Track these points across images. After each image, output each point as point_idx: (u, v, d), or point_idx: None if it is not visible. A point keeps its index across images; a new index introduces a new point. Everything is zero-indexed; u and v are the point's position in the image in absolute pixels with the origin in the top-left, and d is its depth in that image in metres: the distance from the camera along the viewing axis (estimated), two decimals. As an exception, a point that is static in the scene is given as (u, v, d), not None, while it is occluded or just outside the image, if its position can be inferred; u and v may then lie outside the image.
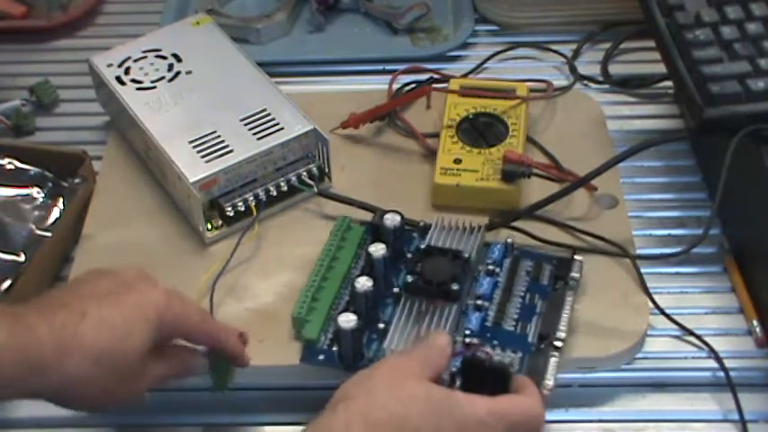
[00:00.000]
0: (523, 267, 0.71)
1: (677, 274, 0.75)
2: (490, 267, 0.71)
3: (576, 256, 0.71)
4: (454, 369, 0.62)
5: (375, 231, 0.72)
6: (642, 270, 0.72)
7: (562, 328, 0.66)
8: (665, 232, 0.78)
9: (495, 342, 0.66)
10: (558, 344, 0.65)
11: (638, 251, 0.74)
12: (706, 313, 0.72)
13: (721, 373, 0.67)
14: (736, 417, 0.65)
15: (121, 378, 0.58)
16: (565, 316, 0.67)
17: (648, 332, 0.70)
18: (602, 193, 0.78)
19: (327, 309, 0.68)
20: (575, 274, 0.70)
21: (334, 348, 0.66)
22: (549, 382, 0.63)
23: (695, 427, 0.66)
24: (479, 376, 0.60)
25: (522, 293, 0.70)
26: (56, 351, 0.56)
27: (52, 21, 1.00)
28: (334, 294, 0.69)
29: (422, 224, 0.74)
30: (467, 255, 0.68)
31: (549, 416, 0.66)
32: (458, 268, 0.67)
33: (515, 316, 0.68)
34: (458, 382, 0.61)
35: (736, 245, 0.75)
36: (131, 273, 0.61)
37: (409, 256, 0.72)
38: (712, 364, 0.68)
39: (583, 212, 0.77)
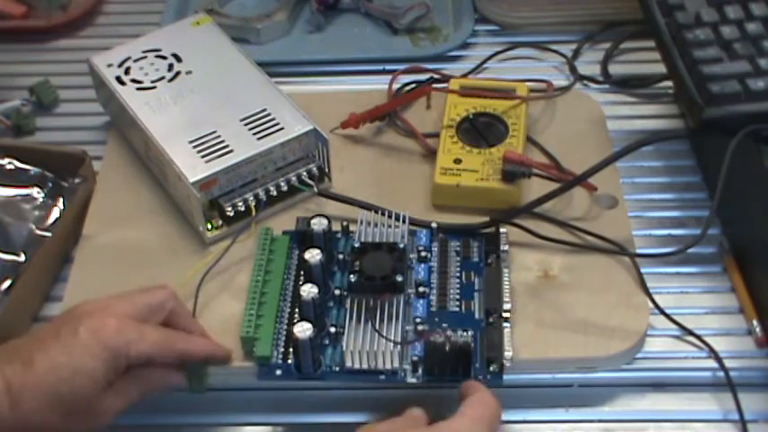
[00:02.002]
0: (452, 248, 0.73)
1: (677, 273, 0.75)
2: (422, 254, 0.72)
3: (501, 229, 0.73)
4: (416, 358, 0.65)
5: (302, 238, 0.73)
6: (642, 270, 0.72)
7: (506, 299, 0.68)
8: (665, 232, 0.78)
9: (445, 325, 0.67)
10: (506, 314, 0.67)
11: (638, 251, 0.74)
12: (706, 313, 0.72)
13: (721, 373, 0.67)
14: (736, 417, 0.65)
15: (79, 417, 0.58)
16: (506, 287, 0.69)
17: (648, 332, 0.70)
18: (602, 193, 0.78)
19: (273, 323, 0.68)
20: (504, 247, 0.71)
21: (290, 361, 0.66)
22: (509, 353, 0.65)
23: (695, 427, 0.66)
24: (442, 360, 0.62)
25: (457, 274, 0.71)
26: (9, 401, 0.56)
27: (52, 21, 1.00)
28: (275, 307, 0.69)
29: (345, 224, 0.75)
30: (401, 245, 0.69)
31: (550, 416, 0.67)
32: (396, 260, 0.68)
33: (457, 296, 0.70)
34: (420, 370, 0.64)
35: (736, 245, 0.75)
36: (85, 306, 0.61)
37: (340, 257, 0.72)
38: (712, 364, 0.68)
39: (583, 212, 0.77)
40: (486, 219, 0.75)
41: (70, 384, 0.57)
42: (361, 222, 0.72)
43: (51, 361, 0.57)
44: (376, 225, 0.72)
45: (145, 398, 0.62)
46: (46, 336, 0.59)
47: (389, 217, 0.72)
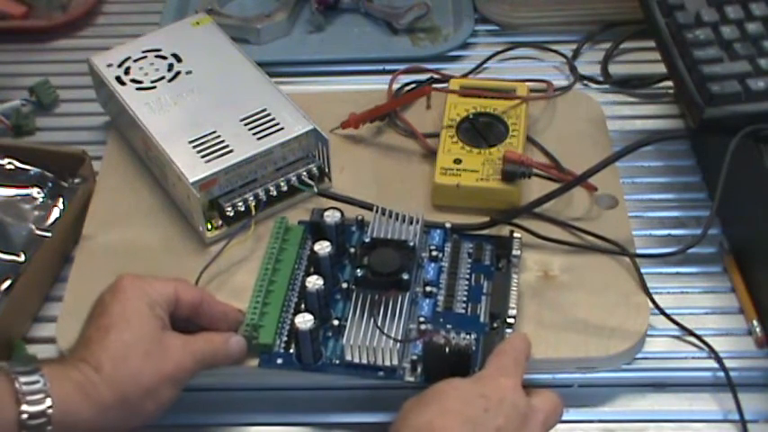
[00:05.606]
0: (464, 250, 0.73)
1: (677, 273, 0.75)
2: (433, 253, 0.72)
3: (515, 234, 0.72)
4: (414, 357, 0.65)
5: (315, 229, 0.73)
6: (642, 270, 0.72)
7: (512, 305, 0.68)
8: (665, 232, 0.78)
9: (449, 326, 0.67)
10: (511, 320, 0.67)
11: (638, 251, 0.74)
12: (706, 313, 0.72)
13: (721, 373, 0.67)
14: (737, 417, 0.65)
15: (159, 354, 0.61)
16: (513, 293, 0.68)
17: (648, 332, 0.70)
18: (602, 193, 0.78)
19: (279, 312, 0.68)
20: (516, 252, 0.71)
21: (291, 351, 0.66)
22: None
23: (695, 427, 0.66)
24: (441, 361, 0.62)
25: (467, 276, 0.71)
26: (93, 371, 0.59)
27: (52, 21, 1.00)
28: (283, 296, 0.69)
29: (360, 218, 0.74)
30: (411, 243, 0.69)
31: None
32: (405, 257, 0.68)
33: (464, 298, 0.69)
34: (418, 369, 0.64)
35: (736, 245, 0.75)
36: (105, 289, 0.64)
37: (352, 250, 0.72)
38: (712, 364, 0.69)
39: (583, 212, 0.77)
40: (487, 219, 0.75)
41: (130, 331, 0.61)
42: (375, 218, 0.72)
43: (103, 328, 0.61)
44: (389, 220, 0.72)
45: (214, 362, 0.64)
46: (88, 325, 0.63)
47: (403, 221, 0.72)
